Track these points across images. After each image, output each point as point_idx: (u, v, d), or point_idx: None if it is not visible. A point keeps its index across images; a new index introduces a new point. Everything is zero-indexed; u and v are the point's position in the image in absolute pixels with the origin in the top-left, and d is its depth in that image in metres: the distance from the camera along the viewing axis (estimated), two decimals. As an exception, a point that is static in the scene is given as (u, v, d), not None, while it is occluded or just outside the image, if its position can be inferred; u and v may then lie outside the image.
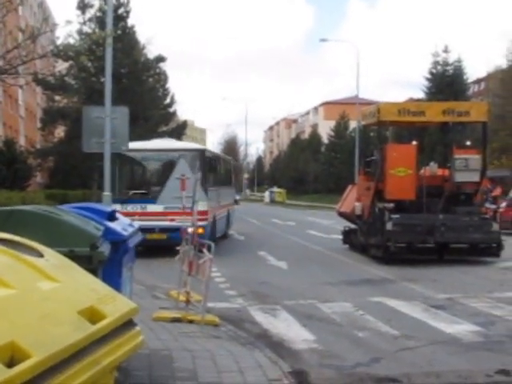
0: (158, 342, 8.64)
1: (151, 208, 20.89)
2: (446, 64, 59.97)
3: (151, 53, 51.23)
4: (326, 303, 12.51)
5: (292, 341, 9.70)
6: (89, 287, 3.84)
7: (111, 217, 7.69)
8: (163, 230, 20.48)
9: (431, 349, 9.21)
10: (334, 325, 10.85)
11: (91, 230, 6.40)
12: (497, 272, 17.60)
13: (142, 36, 61.69)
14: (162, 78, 53.25)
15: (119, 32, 38.85)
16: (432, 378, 7.84)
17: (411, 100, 55.92)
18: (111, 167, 17.55)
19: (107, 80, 16.88)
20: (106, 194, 16.35)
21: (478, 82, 75.89)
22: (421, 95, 60.82)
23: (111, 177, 18.49)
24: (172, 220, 20.01)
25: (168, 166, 21.86)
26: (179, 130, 51.81)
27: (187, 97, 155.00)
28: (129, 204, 20.54)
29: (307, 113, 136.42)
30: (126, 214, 18.42)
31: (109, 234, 6.90)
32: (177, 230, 18.24)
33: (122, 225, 7.83)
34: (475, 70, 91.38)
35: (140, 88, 45.87)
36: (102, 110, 16.41)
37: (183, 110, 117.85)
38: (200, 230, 18.85)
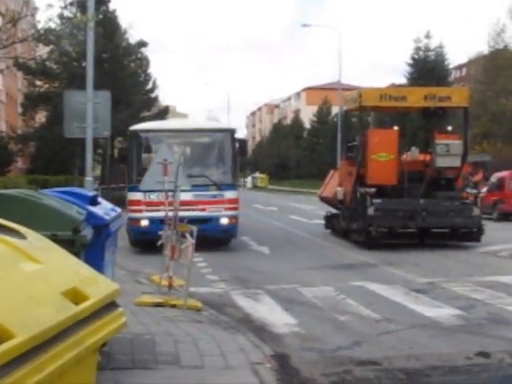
0: (140, 326, 8.65)
1: (181, 196, 18.72)
2: (427, 50, 60.09)
3: (133, 38, 51.00)
4: (308, 287, 12.57)
5: (274, 325, 9.75)
6: (72, 269, 3.86)
7: (93, 201, 7.68)
8: (193, 221, 18.17)
9: (412, 332, 9.29)
10: (315, 309, 10.91)
11: (73, 214, 6.39)
12: (477, 256, 17.73)
13: (123, 21, 61.29)
14: (143, 63, 52.97)
15: (100, 16, 38.55)
16: (412, 360, 7.91)
17: (393, 85, 56.00)
18: (128, 151, 17.85)
19: (89, 64, 16.80)
20: (88, 179, 16.30)
21: (459, 67, 76.12)
22: (403, 81, 60.94)
23: (129, 162, 18.38)
24: (203, 209, 18.26)
25: (194, 149, 20.16)
26: (161, 116, 51.61)
27: (169, 82, 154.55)
28: (153, 192, 17.37)
29: (289, 98, 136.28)
30: (150, 204, 17.47)
31: (91, 218, 6.89)
32: (208, 220, 17.99)
33: (105, 209, 7.82)
34: (457, 56, 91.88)
35: (122, 73, 45.63)
36: (84, 95, 16.34)
37: (165, 95, 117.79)
38: (233, 220, 18.56)
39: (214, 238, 18.25)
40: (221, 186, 18.50)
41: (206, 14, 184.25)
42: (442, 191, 20.10)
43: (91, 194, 8.18)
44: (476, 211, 19.68)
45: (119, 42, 47.59)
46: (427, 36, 60.37)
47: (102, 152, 46.79)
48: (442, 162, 19.94)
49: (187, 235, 10.69)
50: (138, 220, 18.13)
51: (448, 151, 19.82)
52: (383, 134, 21.24)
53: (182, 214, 17.11)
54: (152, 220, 17.29)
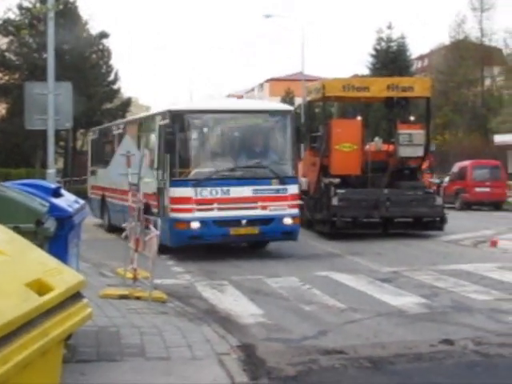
0: (105, 318, 8.60)
1: (235, 191, 15.08)
2: (389, 40, 60.34)
3: (94, 29, 50.54)
4: (273, 278, 12.59)
5: (240, 315, 9.75)
6: (36, 260, 3.81)
7: (56, 193, 7.60)
8: (253, 221, 15.09)
9: (377, 321, 9.36)
10: (281, 299, 10.93)
11: (36, 207, 6.33)
12: (440, 245, 17.91)
13: (84, 12, 60.77)
14: (105, 54, 52.53)
15: (61, 7, 38.11)
16: (378, 349, 7.96)
17: (356, 76, 56.22)
18: (169, 136, 14.96)
19: (49, 55, 16.58)
20: (50, 171, 16.11)
21: (421, 58, 76.69)
22: (366, 71, 61.21)
23: (168, 150, 15.02)
24: (264, 208, 15.19)
25: (249, 133, 16.57)
26: (123, 107, 51.29)
27: (131, 74, 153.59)
28: (204, 187, 14.81)
29: (252, 89, 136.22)
30: (202, 202, 14.68)
31: (54, 210, 6.82)
32: (270, 221, 15.14)
33: (68, 201, 7.74)
34: (419, 47, 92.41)
35: (83, 64, 45.21)
36: (45, 86, 16.12)
37: (127, 87, 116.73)
38: (296, 221, 15.62)
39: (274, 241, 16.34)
40: (284, 179, 15.49)
41: (168, 5, 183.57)
42: (405, 181, 20.26)
43: (54, 186, 8.10)
44: (439, 201, 19.87)
45: (80, 33, 47.07)
46: (389, 27, 60.64)
47: (63, 144, 46.37)
48: (404, 152, 20.12)
49: (151, 227, 10.63)
50: (186, 222, 14.75)
51: (411, 141, 19.99)
52: (346, 125, 21.37)
53: (238, 213, 14.85)
54: (204, 221, 14.69)
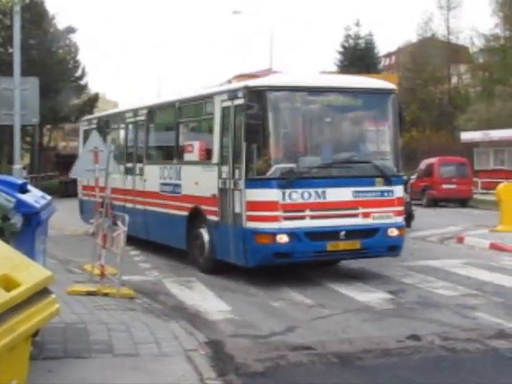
0: (73, 315, 8.54)
1: (333, 194, 11.71)
2: (357, 37, 60.62)
3: (61, 24, 50.19)
4: (241, 274, 12.58)
5: (208, 312, 9.75)
6: (3, 255, 3.77)
7: (23, 189, 7.54)
8: (353, 232, 11.74)
9: (345, 317, 9.40)
10: (249, 295, 10.94)
11: (2, 202, 6.27)
12: (407, 242, 17.84)
13: (51, 6, 60.15)
14: (72, 49, 52.20)
15: (27, 1, 37.76)
16: (346, 344, 8.01)
17: (324, 73, 56.36)
18: (235, 123, 11.89)
19: (16, 50, 16.41)
20: (17, 167, 15.97)
21: (388, 55, 77.12)
22: (333, 68, 61.38)
23: (244, 139, 11.54)
24: (366, 215, 11.93)
25: (346, 118, 13.21)
26: (91, 103, 51.02)
27: (99, 69, 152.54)
28: (293, 188, 11.40)
29: (220, 85, 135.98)
30: (290, 208, 11.37)
31: (21, 206, 6.78)
32: (374, 231, 11.94)
33: (34, 197, 7.68)
34: (386, 44, 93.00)
35: (50, 60, 44.85)
36: (11, 81, 15.97)
37: (95, 82, 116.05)
38: (402, 232, 12.45)
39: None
40: (390, 179, 12.28)
41: (135, 0, 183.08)
42: None
43: (20, 181, 8.02)
44: (405, 197, 19.96)
45: (47, 28, 46.71)
46: (357, 24, 60.90)
47: (30, 140, 45.97)
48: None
49: (119, 223, 10.58)
50: (270, 234, 11.29)
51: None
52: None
53: (336, 222, 11.61)
54: (294, 233, 11.31)
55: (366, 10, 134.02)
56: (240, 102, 11.84)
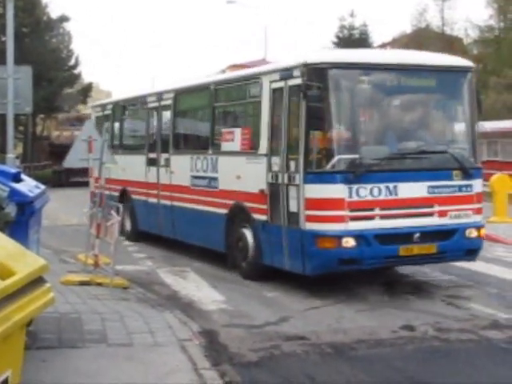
0: (67, 305, 8.54)
1: (405, 190, 10.13)
2: (352, 28, 60.55)
3: (55, 13, 49.94)
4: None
5: (202, 302, 9.76)
6: (-3, 244, 3.76)
7: (16, 178, 7.51)
8: (428, 234, 10.18)
9: (338, 307, 9.42)
10: (243, 286, 10.93)
11: (-4, 191, 6.24)
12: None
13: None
14: (65, 38, 51.93)
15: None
16: (340, 334, 8.03)
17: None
18: (289, 106, 10.30)
19: (9, 38, 16.31)
20: (10, 156, 15.91)
21: (383, 46, 76.99)
22: (327, 59, 61.21)
23: (304, 125, 9.88)
24: (442, 214, 10.36)
25: (419, 101, 11.56)
26: (84, 93, 50.82)
27: (93, 59, 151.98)
28: (362, 183, 9.78)
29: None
30: (357, 207, 9.80)
31: (14, 195, 6.76)
32: (452, 233, 10.40)
33: (28, 186, 7.66)
34: (381, 35, 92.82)
35: (43, 48, 44.61)
36: (4, 70, 15.88)
37: (89, 72, 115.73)
38: (481, 232, 10.85)
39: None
40: (469, 171, 10.68)
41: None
42: None
43: (14, 171, 8.00)
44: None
45: (40, 16, 46.44)
46: (352, 15, 60.83)
47: (23, 129, 45.80)
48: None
49: (113, 212, 10.57)
50: (335, 238, 9.74)
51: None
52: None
53: (409, 222, 10.07)
54: (362, 236, 9.75)
55: (360, 0, 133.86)
56: (296, 82, 10.14)
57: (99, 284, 10.08)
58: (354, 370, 6.87)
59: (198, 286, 10.87)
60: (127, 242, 14.98)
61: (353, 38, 60.13)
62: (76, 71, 52.04)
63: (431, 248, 10.20)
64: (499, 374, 6.88)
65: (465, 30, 57.31)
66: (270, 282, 10.93)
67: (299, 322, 8.61)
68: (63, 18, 48.66)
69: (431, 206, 10.31)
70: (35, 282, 3.57)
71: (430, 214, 10.30)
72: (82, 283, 10.08)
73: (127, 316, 8.21)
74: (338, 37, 61.44)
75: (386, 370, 6.88)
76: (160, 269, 12.35)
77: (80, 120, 36.54)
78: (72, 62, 51.87)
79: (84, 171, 15.43)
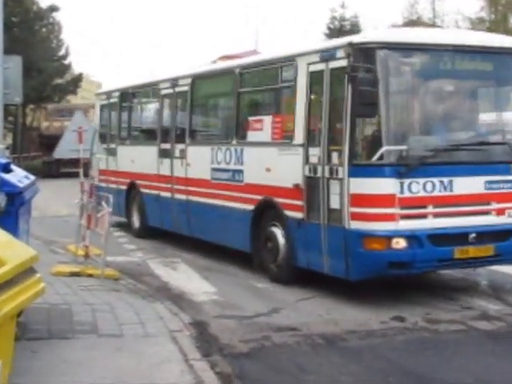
0: (57, 296, 8.52)
1: (461, 185, 9.19)
2: (343, 19, 60.48)
3: (44, 2, 49.72)
4: (225, 255, 12.55)
5: (192, 293, 9.75)
6: (-13, 234, 3.74)
7: (6, 168, 7.47)
8: (484, 234, 9.24)
9: (330, 298, 9.42)
10: (233, 277, 10.94)
11: (-15, 181, 6.20)
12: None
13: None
14: (55, 28, 51.69)
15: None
16: (331, 325, 8.04)
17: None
18: (330, 91, 9.32)
19: (-2, 27, 16.22)
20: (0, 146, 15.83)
21: (373, 38, 77.11)
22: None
23: (352, 111, 8.90)
24: (500, 212, 9.43)
25: (474, 87, 10.41)
26: (74, 83, 50.62)
27: (83, 49, 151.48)
28: (414, 178, 8.82)
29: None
30: (409, 204, 8.82)
31: (4, 185, 6.73)
32: (508, 233, 9.45)
33: (18, 177, 7.62)
34: (372, 27, 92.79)
35: (33, 38, 44.40)
36: (-7, 60, 15.78)
37: (79, 62, 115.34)
38: None
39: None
40: None
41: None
42: None
43: (4, 161, 7.95)
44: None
45: (29, 5, 46.19)
46: (343, 6, 60.77)
47: (12, 120, 45.59)
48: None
49: (103, 203, 10.54)
50: (384, 238, 8.78)
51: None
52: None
53: (465, 221, 9.11)
54: (414, 237, 8.80)
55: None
56: (340, 63, 9.19)
57: (90, 275, 10.06)
58: (344, 361, 6.89)
59: (188, 277, 10.87)
60: (118, 233, 14.92)
61: (344, 29, 60.07)
62: (66, 62, 51.84)
63: (488, 250, 9.29)
64: (488, 363, 6.91)
65: (456, 22, 57.30)
66: (260, 273, 10.92)
67: (290, 313, 8.62)
68: (53, 8, 48.41)
69: (488, 204, 9.37)
70: (25, 272, 3.55)
71: (487, 213, 9.37)
72: (73, 274, 10.05)
73: (118, 307, 8.19)
74: (328, 28, 61.39)
75: (377, 361, 6.90)
76: (151, 260, 12.34)
77: (70, 110, 36.43)
78: (62, 52, 51.67)
79: (74, 162, 15.41)
